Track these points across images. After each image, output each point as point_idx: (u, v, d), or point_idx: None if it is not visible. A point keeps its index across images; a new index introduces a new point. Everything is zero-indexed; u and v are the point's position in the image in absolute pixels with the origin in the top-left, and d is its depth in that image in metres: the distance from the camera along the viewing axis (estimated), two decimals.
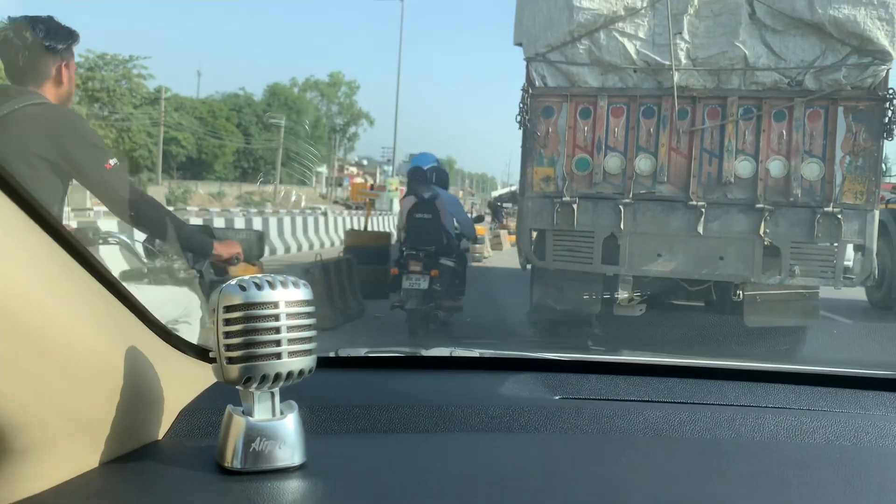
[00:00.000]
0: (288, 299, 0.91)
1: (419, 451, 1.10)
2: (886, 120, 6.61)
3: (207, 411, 1.09)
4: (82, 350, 0.87)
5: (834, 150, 6.70)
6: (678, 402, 1.29)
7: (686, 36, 6.89)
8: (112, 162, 2.58)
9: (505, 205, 25.84)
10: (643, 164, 7.02)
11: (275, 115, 54.98)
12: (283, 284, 0.91)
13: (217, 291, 0.90)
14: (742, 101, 6.85)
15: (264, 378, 0.90)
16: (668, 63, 6.84)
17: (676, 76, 6.82)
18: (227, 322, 0.89)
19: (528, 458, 1.09)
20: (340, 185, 60.64)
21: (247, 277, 0.90)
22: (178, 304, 2.83)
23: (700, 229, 6.83)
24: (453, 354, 1.52)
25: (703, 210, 6.83)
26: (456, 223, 7.78)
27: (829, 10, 6.53)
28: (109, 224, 10.90)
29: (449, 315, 7.62)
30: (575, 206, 7.07)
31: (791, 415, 1.26)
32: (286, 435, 0.93)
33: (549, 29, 7.12)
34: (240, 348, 0.89)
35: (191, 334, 2.98)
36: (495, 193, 32.61)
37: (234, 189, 53.67)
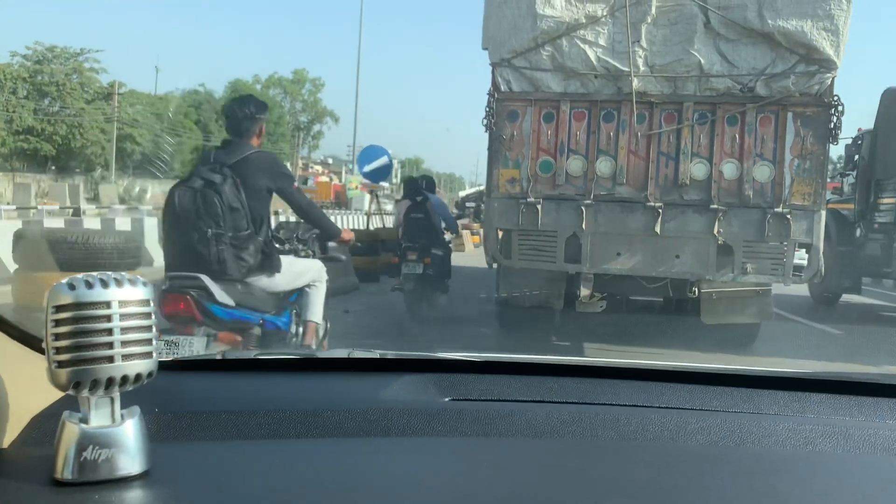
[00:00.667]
0: (122, 298, 0.87)
1: (279, 459, 1.05)
2: (832, 125, 7.12)
3: (61, 417, 0.98)
4: None
5: (783, 154, 7.18)
6: (566, 402, 1.30)
7: (644, 43, 7.30)
8: (296, 184, 4.53)
9: (468, 204, 26.14)
10: (603, 166, 7.40)
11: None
12: (118, 282, 0.87)
13: (48, 291, 0.86)
14: (697, 106, 7.28)
15: (95, 383, 0.85)
16: (627, 69, 7.23)
17: (635, 82, 7.21)
18: (56, 323, 0.85)
19: (398, 463, 1.08)
20: (305, 183, 60.28)
21: (79, 276, 0.86)
22: (314, 270, 4.38)
23: (657, 229, 7.23)
24: (351, 356, 1.51)
25: (661, 210, 7.24)
26: (442, 221, 9.44)
27: (778, 20, 7.01)
28: (57, 222, 11.83)
29: (439, 295, 9.20)
30: (539, 206, 7.41)
31: (678, 415, 1.26)
32: (124, 442, 0.89)
33: (514, 35, 7.48)
34: (68, 351, 0.85)
35: (318, 295, 4.44)
36: (463, 193, 33.06)
37: None
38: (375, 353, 1.50)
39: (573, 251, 7.44)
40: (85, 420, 0.88)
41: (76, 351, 0.84)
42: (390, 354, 1.49)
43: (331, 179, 61.27)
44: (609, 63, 7.34)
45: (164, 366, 0.99)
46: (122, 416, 0.90)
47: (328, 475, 1.02)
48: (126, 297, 0.87)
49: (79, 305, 0.84)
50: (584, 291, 7.46)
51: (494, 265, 8.23)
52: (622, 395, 1.34)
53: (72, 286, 0.84)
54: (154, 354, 0.90)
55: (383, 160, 14.36)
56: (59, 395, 1.06)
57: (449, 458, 1.12)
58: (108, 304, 0.85)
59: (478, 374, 1.40)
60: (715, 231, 7.21)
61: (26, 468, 0.95)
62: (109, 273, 0.86)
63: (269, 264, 4.01)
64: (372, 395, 1.32)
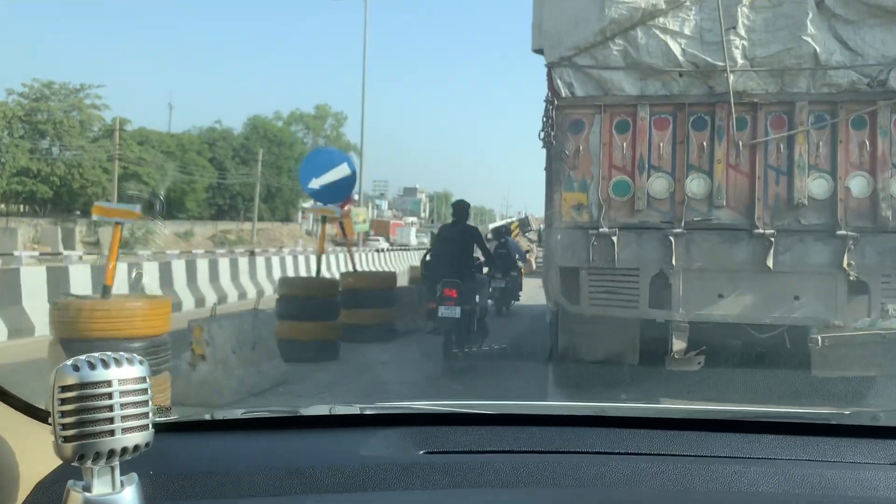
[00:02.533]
0: (122, 377, 0.98)
1: None
2: None
3: (65, 483, 1.08)
4: None
5: None
6: (532, 452, 1.43)
7: (741, 31, 6.20)
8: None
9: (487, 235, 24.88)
10: (696, 185, 6.31)
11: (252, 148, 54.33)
12: (118, 362, 0.98)
13: (54, 371, 0.97)
14: (813, 106, 6.16)
15: (98, 455, 0.95)
16: (720, 64, 6.17)
17: (732, 79, 6.12)
18: (62, 402, 0.96)
19: None
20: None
21: (82, 357, 0.97)
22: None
23: (769, 263, 6.12)
24: (332, 412, 1.66)
25: (773, 239, 6.11)
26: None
27: None
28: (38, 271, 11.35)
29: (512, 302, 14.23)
30: (615, 238, 6.35)
31: (634, 461, 1.36)
32: None
33: (576, 28, 6.43)
34: (73, 427, 0.95)
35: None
36: (492, 226, 32.29)
37: (207, 228, 52.57)
38: (356, 408, 1.65)
39: (661, 293, 6.26)
40: (88, 488, 0.98)
41: (80, 426, 0.95)
42: (369, 409, 1.65)
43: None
44: (697, 56, 6.25)
45: (157, 428, 1.05)
46: (121, 483, 1.00)
47: None
48: (125, 376, 0.98)
49: (82, 385, 0.96)
50: (678, 345, 6.21)
51: (552, 310, 6.97)
52: (585, 442, 1.46)
53: (76, 367, 0.96)
54: (150, 426, 1.00)
55: (342, 171, 10.29)
56: (60, 461, 1.14)
57: None
58: (109, 383, 0.97)
59: (451, 427, 1.53)
60: (844, 264, 5.95)
61: None
62: (110, 354, 0.98)
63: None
64: (351, 450, 1.44)
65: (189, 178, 52.50)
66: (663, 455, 1.41)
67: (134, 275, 12.60)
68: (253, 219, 51.33)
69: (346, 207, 13.71)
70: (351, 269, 11.95)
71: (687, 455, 1.40)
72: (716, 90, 6.25)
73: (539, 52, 6.80)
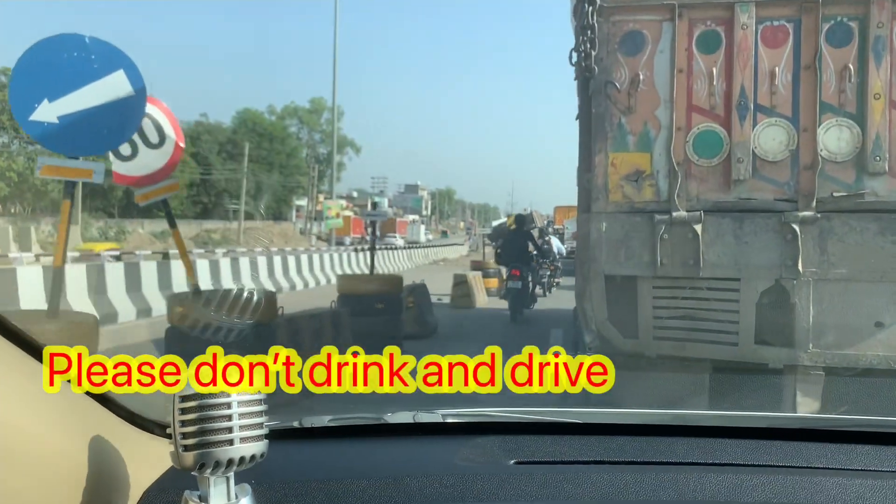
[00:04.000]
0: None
1: None
2: None
3: (170, 492, 1.18)
4: (43, 450, 0.99)
5: None
6: (626, 463, 1.41)
7: None
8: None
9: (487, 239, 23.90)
10: (836, 138, 4.07)
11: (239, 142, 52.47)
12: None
13: None
14: None
15: (217, 464, 0.99)
16: None
17: None
18: (183, 412, 0.99)
19: None
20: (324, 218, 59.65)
21: None
22: None
23: None
24: (416, 420, 1.63)
25: None
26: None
27: None
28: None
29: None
30: (698, 227, 4.09)
31: (733, 471, 1.33)
32: None
33: None
34: (194, 436, 0.98)
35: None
36: (495, 223, 30.32)
37: (191, 227, 50.73)
38: (438, 416, 1.63)
39: (776, 320, 3.93)
40: (205, 499, 1.00)
41: (201, 436, 0.98)
42: (451, 417, 1.62)
43: (355, 213, 60.26)
44: None
45: None
46: (236, 494, 1.02)
47: None
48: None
49: (203, 395, 0.99)
50: (806, 406, 3.85)
51: (588, 346, 4.65)
52: (678, 453, 1.43)
53: None
54: (265, 436, 1.03)
55: (111, 87, 5.01)
56: (164, 469, 1.24)
57: None
58: (228, 394, 1.00)
59: (538, 435, 1.53)
60: None
61: None
62: None
63: None
64: (441, 459, 1.45)
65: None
66: (763, 466, 1.39)
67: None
68: (239, 217, 49.00)
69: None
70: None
71: (788, 466, 1.39)
72: None
73: None
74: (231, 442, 0.99)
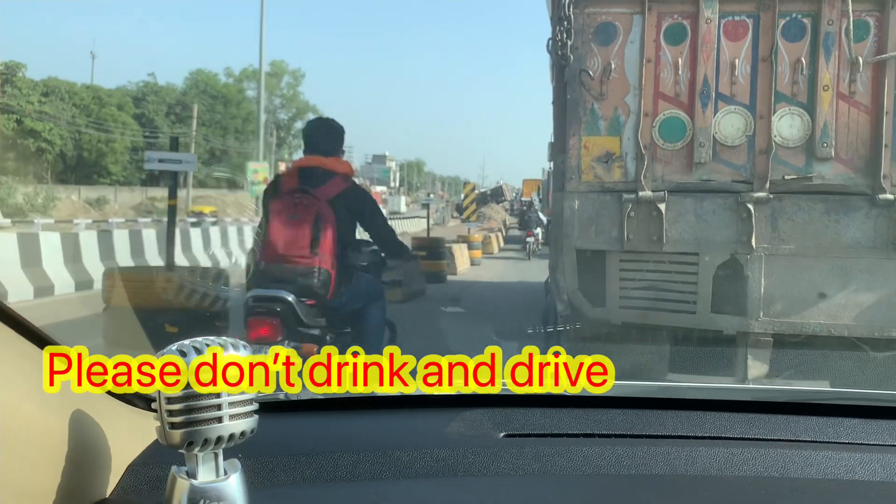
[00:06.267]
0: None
1: (362, 501, 1.26)
2: None
3: (155, 465, 1.22)
4: (22, 422, 1.02)
5: None
6: (616, 436, 1.46)
7: None
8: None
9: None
10: (788, 125, 4.67)
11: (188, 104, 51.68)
12: (223, 348, 1.01)
13: (159, 356, 1.00)
14: None
15: (206, 442, 1.00)
16: None
17: None
18: None
19: (469, 503, 1.27)
20: None
21: (187, 342, 1.00)
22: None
23: None
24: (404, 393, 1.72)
25: None
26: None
27: None
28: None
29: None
30: (662, 206, 4.70)
31: (724, 445, 1.40)
32: (230, 495, 1.03)
33: None
34: (181, 414, 0.98)
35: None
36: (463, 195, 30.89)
37: (134, 195, 49.95)
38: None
39: (731, 291, 4.55)
40: (193, 474, 1.01)
41: (189, 413, 0.98)
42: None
43: None
44: None
45: None
46: (224, 470, 1.04)
47: None
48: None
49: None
50: (757, 368, 4.44)
51: (561, 312, 5.18)
52: (667, 426, 1.50)
53: (183, 353, 0.99)
54: (255, 413, 1.05)
55: None
56: (147, 442, 1.28)
57: (510, 496, 1.29)
58: None
59: (527, 408, 1.57)
60: None
61: None
62: (214, 339, 1.01)
63: None
64: (432, 432, 1.49)
65: (106, 136, 49.59)
66: (752, 439, 1.45)
67: None
68: (187, 184, 48.44)
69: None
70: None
71: (778, 440, 1.45)
72: None
73: None
74: (220, 419, 1.01)
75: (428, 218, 21.65)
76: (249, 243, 19.11)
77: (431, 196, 31.05)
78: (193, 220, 26.59)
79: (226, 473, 1.03)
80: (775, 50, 4.55)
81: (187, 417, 0.98)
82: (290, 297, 4.07)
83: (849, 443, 1.42)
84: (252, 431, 1.04)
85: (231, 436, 1.01)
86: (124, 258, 14.46)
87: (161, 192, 52.95)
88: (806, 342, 4.64)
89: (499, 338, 8.34)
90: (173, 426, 0.99)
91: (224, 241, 19.00)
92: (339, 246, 4.24)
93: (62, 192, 43.81)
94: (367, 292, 4.43)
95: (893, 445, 1.42)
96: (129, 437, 1.26)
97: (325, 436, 1.49)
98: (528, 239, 22.15)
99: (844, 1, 4.42)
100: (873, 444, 1.42)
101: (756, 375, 4.52)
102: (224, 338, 1.02)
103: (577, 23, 4.63)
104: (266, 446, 1.31)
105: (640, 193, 4.63)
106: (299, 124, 65.55)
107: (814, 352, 4.86)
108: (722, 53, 4.61)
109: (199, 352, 0.99)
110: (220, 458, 1.03)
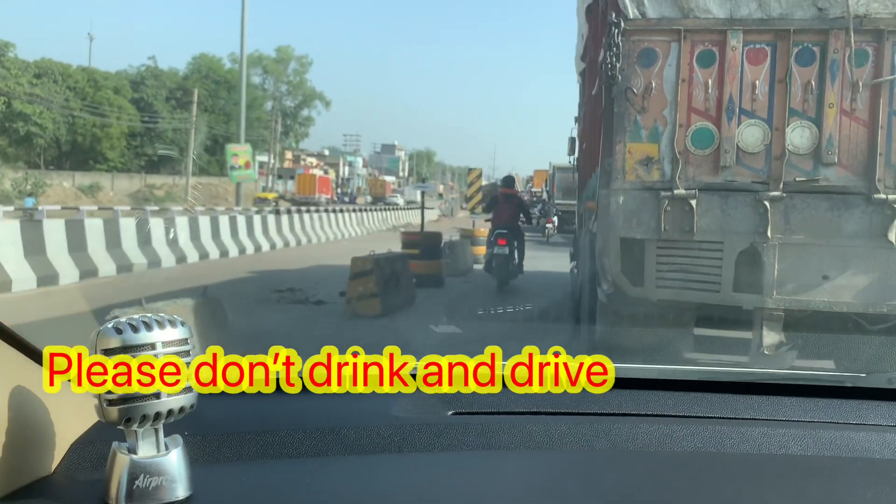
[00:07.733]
0: (165, 339, 1.05)
1: (307, 478, 1.28)
2: None
3: (99, 442, 1.24)
4: None
5: None
6: (561, 413, 1.55)
7: None
8: None
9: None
10: (799, 136, 5.64)
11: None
12: (160, 324, 1.05)
13: (94, 334, 1.04)
14: None
15: (144, 418, 1.04)
16: None
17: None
18: None
19: (414, 479, 1.30)
20: (292, 177, 58.77)
21: (123, 319, 1.04)
22: None
23: (892, 237, 5.49)
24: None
25: None
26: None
27: None
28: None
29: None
30: (693, 202, 5.67)
31: (664, 422, 1.51)
32: (171, 470, 1.07)
33: None
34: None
35: None
36: (485, 183, 31.44)
37: (133, 182, 50.21)
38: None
39: (749, 273, 5.56)
40: (133, 450, 1.06)
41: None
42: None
43: (326, 172, 61.01)
44: None
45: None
46: (166, 445, 1.09)
47: (345, 494, 1.23)
48: (168, 338, 1.06)
49: (126, 349, 1.03)
50: (770, 338, 5.45)
51: (605, 290, 6.22)
52: (610, 404, 1.60)
53: (118, 330, 1.03)
54: (194, 389, 1.10)
55: None
56: (92, 420, 1.29)
57: (454, 473, 1.34)
58: (152, 346, 1.05)
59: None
60: None
61: (77, 494, 1.17)
62: (151, 315, 1.05)
63: None
64: (380, 411, 1.53)
65: (102, 120, 49.57)
66: (693, 417, 1.54)
67: None
68: (186, 171, 48.07)
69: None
70: None
71: (715, 416, 1.54)
72: (829, 13, 5.53)
73: None
74: (157, 395, 1.03)
75: (422, 208, 19.40)
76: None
77: (427, 182, 30.68)
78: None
79: (167, 449, 1.07)
80: (790, 73, 5.55)
81: (125, 393, 1.01)
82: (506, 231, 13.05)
83: (785, 420, 1.53)
84: (192, 407, 1.08)
85: (170, 412, 1.05)
86: (131, 248, 14.70)
87: (161, 180, 53.16)
88: (811, 317, 5.70)
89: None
90: (111, 403, 1.02)
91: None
92: (514, 219, 13.73)
93: (55, 178, 43.77)
94: (521, 234, 13.81)
95: (820, 422, 1.53)
96: (73, 415, 1.29)
97: (273, 415, 1.51)
98: (548, 225, 28.06)
99: (848, 33, 5.43)
100: (806, 421, 1.53)
101: (769, 344, 5.57)
102: (162, 315, 1.07)
103: (624, 49, 5.65)
104: (212, 424, 1.37)
105: (675, 191, 5.62)
106: (306, 112, 66.28)
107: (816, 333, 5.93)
108: (745, 75, 5.59)
109: (135, 329, 1.03)
110: (161, 433, 1.07)
